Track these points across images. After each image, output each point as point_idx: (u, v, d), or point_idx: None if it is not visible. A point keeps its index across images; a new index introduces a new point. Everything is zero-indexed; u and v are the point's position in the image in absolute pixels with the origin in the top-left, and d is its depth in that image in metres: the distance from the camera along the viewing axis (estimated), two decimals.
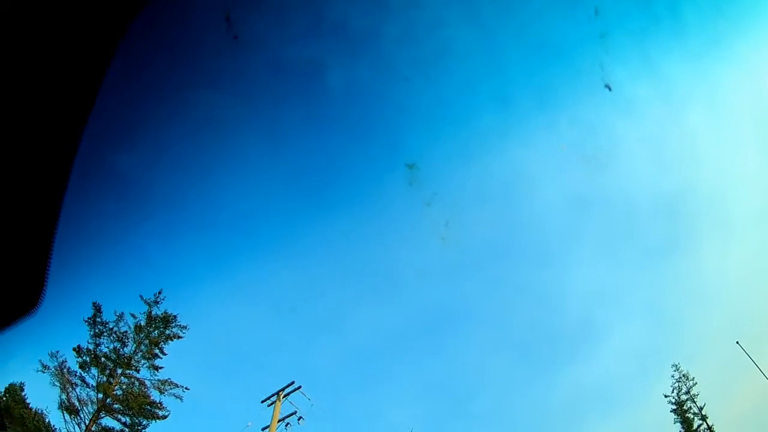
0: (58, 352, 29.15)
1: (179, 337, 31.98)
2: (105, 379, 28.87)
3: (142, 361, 31.27)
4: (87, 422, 28.74)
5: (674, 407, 46.29)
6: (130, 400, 29.43)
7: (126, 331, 30.77)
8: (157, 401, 30.53)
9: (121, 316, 31.55)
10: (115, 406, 29.82)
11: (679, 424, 46.08)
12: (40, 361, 28.91)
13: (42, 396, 30.30)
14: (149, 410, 30.06)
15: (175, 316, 32.17)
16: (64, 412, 29.22)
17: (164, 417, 30.38)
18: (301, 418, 23.40)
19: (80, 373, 29.19)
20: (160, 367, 31.26)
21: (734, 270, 59.85)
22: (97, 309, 30.07)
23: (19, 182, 1.38)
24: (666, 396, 46.81)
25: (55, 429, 29.30)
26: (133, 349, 31.20)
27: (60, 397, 28.08)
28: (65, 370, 29.15)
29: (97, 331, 29.81)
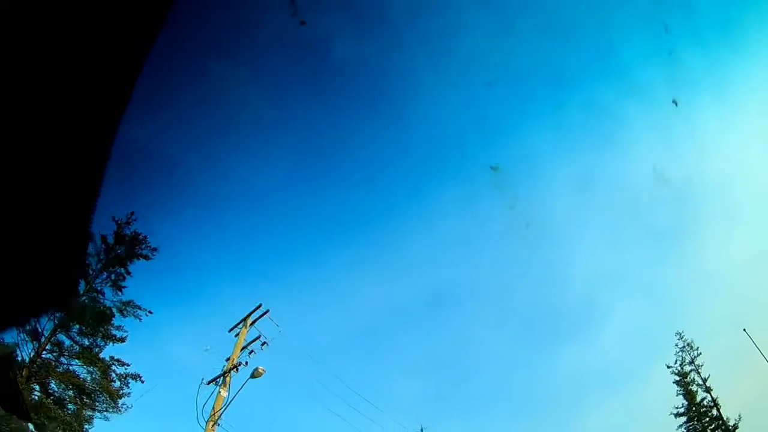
0: None
1: (147, 258, 30.19)
2: None
3: (107, 281, 29.55)
4: (42, 341, 27.00)
5: (677, 378, 43.44)
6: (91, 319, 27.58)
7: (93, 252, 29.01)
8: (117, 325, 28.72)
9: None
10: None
11: (681, 396, 43.24)
12: None
13: None
14: (108, 331, 28.28)
15: (144, 237, 30.43)
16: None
17: (122, 339, 28.59)
18: (265, 343, 21.45)
19: None
20: (124, 287, 29.46)
21: (738, 257, 58.51)
22: None
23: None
24: (669, 367, 43.99)
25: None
26: (99, 268, 29.50)
27: None
28: None
29: None
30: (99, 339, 27.89)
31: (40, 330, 26.42)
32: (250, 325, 21.68)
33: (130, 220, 30.19)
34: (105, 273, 29.28)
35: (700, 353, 43.08)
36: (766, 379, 38.42)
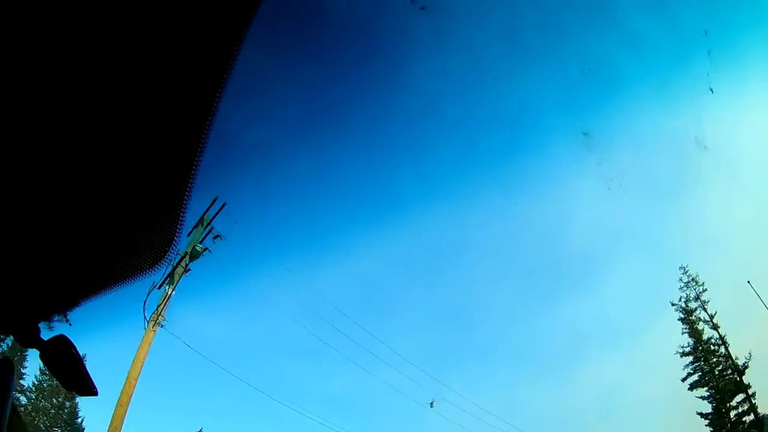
0: None
1: None
2: None
3: None
4: None
5: (682, 316, 41.03)
6: None
7: None
8: None
9: None
10: None
11: (687, 335, 40.90)
12: None
13: None
14: None
15: None
16: None
17: None
18: (218, 236, 18.50)
19: None
20: None
21: (740, 213, 57.37)
22: None
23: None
24: (673, 304, 41.63)
25: None
26: None
27: None
28: None
29: None
30: None
31: None
32: (207, 224, 18.79)
33: None
34: None
35: (706, 289, 40.74)
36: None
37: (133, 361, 14.21)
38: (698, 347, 40.18)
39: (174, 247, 1.47)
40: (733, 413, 39.03)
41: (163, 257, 1.54)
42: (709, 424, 39.65)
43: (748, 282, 33.00)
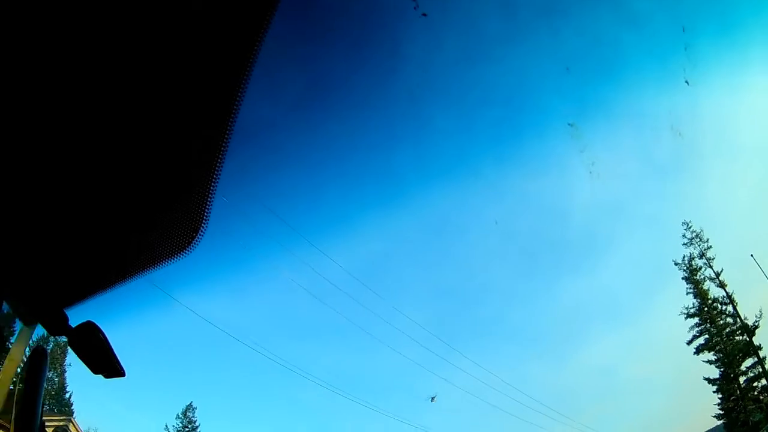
0: None
1: None
2: None
3: None
4: None
5: (686, 275, 38.23)
6: None
7: None
8: None
9: None
10: None
11: (692, 295, 38.12)
12: None
13: None
14: None
15: None
16: None
17: None
18: None
19: None
20: None
21: (742, 189, 54.65)
22: None
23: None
24: (676, 264, 38.87)
25: None
26: None
27: None
28: None
29: None
30: None
31: None
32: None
33: None
34: None
35: (711, 246, 37.78)
36: None
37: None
38: (704, 308, 37.41)
39: (203, 231, 1.46)
40: (742, 378, 36.30)
41: (192, 241, 1.51)
42: (717, 391, 36.98)
43: (752, 255, 32.13)
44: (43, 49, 1.06)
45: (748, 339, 35.80)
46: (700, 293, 37.51)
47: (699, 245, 37.94)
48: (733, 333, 36.79)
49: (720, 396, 36.86)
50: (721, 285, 36.93)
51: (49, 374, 44.03)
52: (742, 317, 36.18)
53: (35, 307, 1.64)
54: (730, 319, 36.66)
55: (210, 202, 1.41)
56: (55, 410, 36.31)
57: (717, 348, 36.93)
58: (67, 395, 46.07)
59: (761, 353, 35.07)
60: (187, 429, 45.51)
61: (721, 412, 36.84)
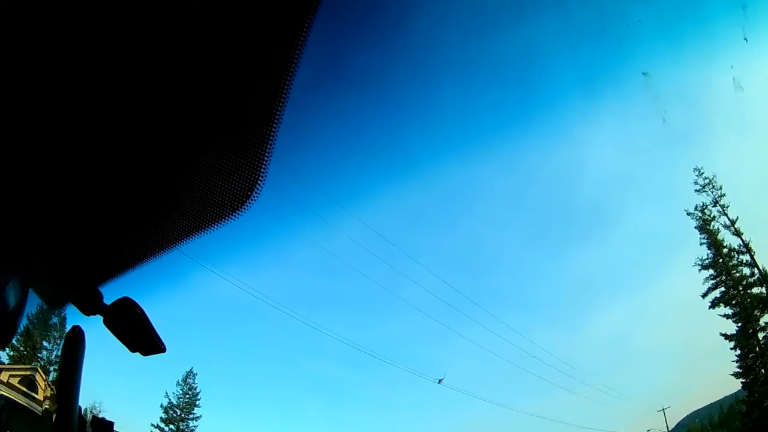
0: None
1: None
2: None
3: None
4: None
5: (699, 224, 35.68)
6: None
7: None
8: None
9: None
10: None
11: (705, 246, 35.58)
12: None
13: None
14: None
15: None
16: None
17: None
18: None
19: None
20: None
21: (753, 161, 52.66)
22: None
23: None
24: (688, 214, 36.25)
25: None
26: None
27: None
28: None
29: None
30: None
31: None
32: None
33: None
34: None
35: (724, 194, 35.15)
36: None
37: None
38: (718, 259, 34.86)
39: (258, 191, 1.30)
40: (762, 335, 33.76)
41: (236, 210, 1.35)
42: (735, 347, 34.44)
43: None
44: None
45: (767, 291, 33.32)
46: (714, 243, 34.95)
47: (712, 192, 35.39)
48: (750, 285, 34.24)
49: (738, 353, 34.35)
50: (737, 233, 34.36)
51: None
52: (761, 267, 33.67)
53: (67, 286, 1.56)
54: (747, 270, 34.16)
55: (262, 167, 1.25)
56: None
57: (733, 302, 34.42)
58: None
59: None
60: (187, 396, 44.67)
61: (739, 370, 34.31)
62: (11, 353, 27.89)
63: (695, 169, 35.86)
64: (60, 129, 1.20)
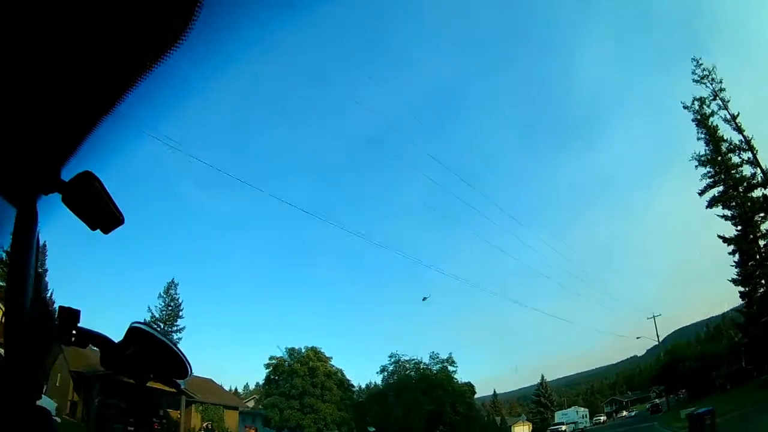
0: None
1: None
2: None
3: None
4: None
5: (697, 117, 32.66)
6: None
7: None
8: None
9: None
10: None
11: (703, 141, 32.59)
12: None
13: None
14: None
15: None
16: None
17: None
18: None
19: None
20: None
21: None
22: None
23: None
24: (685, 107, 33.18)
25: None
26: None
27: None
28: None
29: None
30: None
31: None
32: None
33: None
34: None
35: (724, 88, 32.23)
36: None
37: None
38: (717, 156, 31.84)
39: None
40: (763, 242, 30.79)
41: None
42: (733, 252, 31.35)
43: None
44: None
45: None
46: (712, 137, 31.94)
47: (711, 85, 32.44)
48: (752, 187, 31.25)
49: (737, 259, 31.32)
50: (738, 129, 31.40)
51: None
52: (764, 167, 30.71)
53: (18, 168, 1.42)
54: (748, 171, 31.16)
55: None
56: None
57: (733, 203, 31.43)
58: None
59: None
60: (170, 307, 42.87)
61: (737, 277, 31.23)
62: None
63: (693, 59, 32.86)
64: None
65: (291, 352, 38.19)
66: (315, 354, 38.09)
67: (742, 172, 31.39)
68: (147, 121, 1.57)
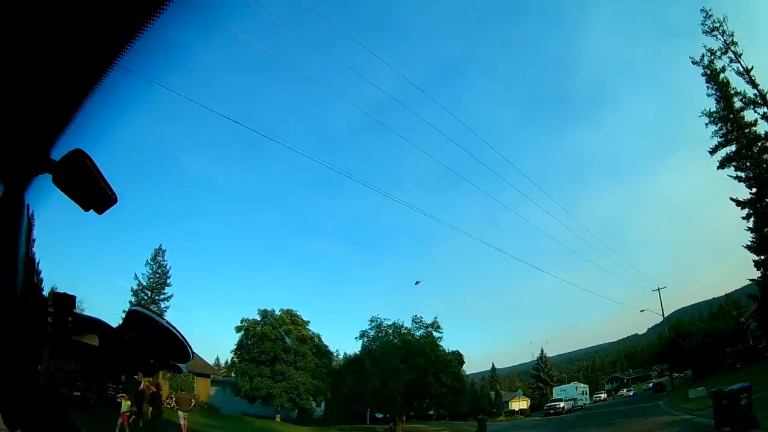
0: None
1: None
2: None
3: None
4: None
5: (707, 72, 29.63)
6: None
7: None
8: None
9: None
10: None
11: (714, 99, 29.60)
12: None
13: None
14: None
15: None
16: None
17: None
18: None
19: None
20: None
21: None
22: None
23: None
24: (694, 62, 30.09)
25: None
26: None
27: None
28: None
29: None
30: None
31: None
32: None
33: None
34: None
35: (736, 42, 29.03)
36: None
37: None
38: (729, 114, 28.92)
39: None
40: None
41: None
42: (747, 216, 28.67)
43: None
44: None
45: None
46: (723, 96, 28.97)
47: (722, 38, 29.23)
48: (766, 149, 28.47)
49: (751, 224, 28.67)
50: (753, 82, 28.38)
51: None
52: None
53: (6, 149, 1.35)
54: (763, 128, 28.25)
55: None
56: None
57: (748, 163, 28.59)
58: None
59: None
60: (157, 274, 40.67)
61: (752, 242, 28.61)
62: None
63: (702, 10, 29.61)
64: None
65: (264, 314, 35.50)
66: (290, 317, 35.47)
67: (756, 131, 28.54)
68: (140, 91, 1.44)
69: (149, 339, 1.45)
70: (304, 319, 36.03)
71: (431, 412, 46.17)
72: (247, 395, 31.68)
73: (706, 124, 29.66)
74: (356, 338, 36.38)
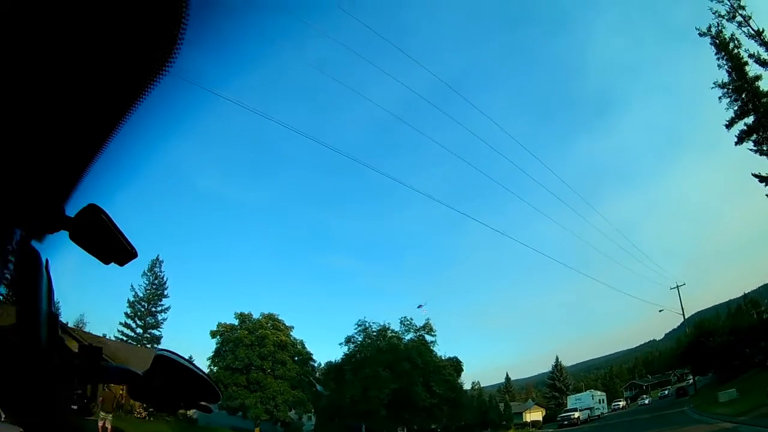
0: None
1: None
2: None
3: None
4: None
5: (714, 41, 26.98)
6: None
7: None
8: None
9: None
10: None
11: (725, 70, 26.93)
12: None
13: None
14: None
15: None
16: None
17: None
18: None
19: None
20: None
21: None
22: None
23: None
24: (701, 34, 27.54)
25: None
26: None
27: None
28: None
29: None
30: None
31: None
32: None
33: None
34: None
35: (744, 6, 26.41)
36: None
37: None
38: (743, 84, 26.21)
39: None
40: None
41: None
42: None
43: None
44: None
45: None
46: (734, 66, 26.32)
47: (730, 1, 26.62)
48: None
49: None
50: (765, 44, 25.71)
51: None
52: None
53: (18, 204, 1.33)
54: None
55: None
56: None
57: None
58: None
59: None
60: (154, 285, 41.13)
61: None
62: None
63: None
64: None
65: (242, 318, 32.80)
66: (271, 321, 32.81)
67: None
68: (156, 136, 1.44)
69: (177, 383, 1.41)
70: (288, 324, 33.37)
71: (420, 427, 39.64)
72: (221, 406, 29.07)
73: (720, 97, 27.08)
74: (340, 344, 33.57)
